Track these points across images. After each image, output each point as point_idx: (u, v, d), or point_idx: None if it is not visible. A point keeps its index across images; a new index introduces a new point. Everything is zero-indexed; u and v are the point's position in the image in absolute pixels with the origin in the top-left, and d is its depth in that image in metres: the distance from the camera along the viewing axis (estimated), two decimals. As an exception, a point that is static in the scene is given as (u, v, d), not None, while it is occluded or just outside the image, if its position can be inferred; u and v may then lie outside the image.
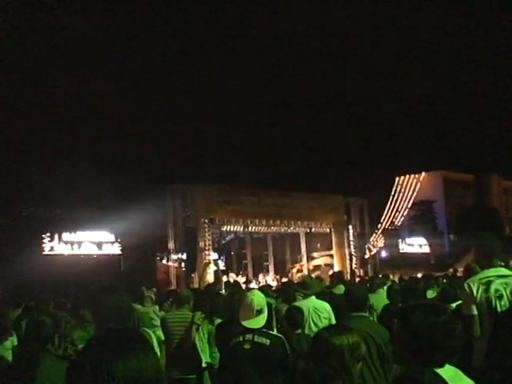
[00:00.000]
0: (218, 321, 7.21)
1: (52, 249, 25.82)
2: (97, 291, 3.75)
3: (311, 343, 3.15)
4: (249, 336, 4.69)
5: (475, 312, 4.87)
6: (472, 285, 4.98)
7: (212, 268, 27.93)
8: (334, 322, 7.42)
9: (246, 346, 4.66)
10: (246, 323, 4.71)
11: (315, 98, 71.40)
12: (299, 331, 6.42)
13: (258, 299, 4.82)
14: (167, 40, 65.26)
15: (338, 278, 10.01)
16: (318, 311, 7.51)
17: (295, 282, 31.83)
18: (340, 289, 9.23)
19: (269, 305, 7.59)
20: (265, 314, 4.81)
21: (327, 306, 7.64)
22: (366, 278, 33.10)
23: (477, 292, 4.93)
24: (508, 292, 4.90)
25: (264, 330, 4.79)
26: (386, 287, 10.30)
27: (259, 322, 4.74)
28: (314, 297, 7.79)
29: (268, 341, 4.65)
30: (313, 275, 33.69)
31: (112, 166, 34.76)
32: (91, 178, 30.98)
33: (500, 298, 4.89)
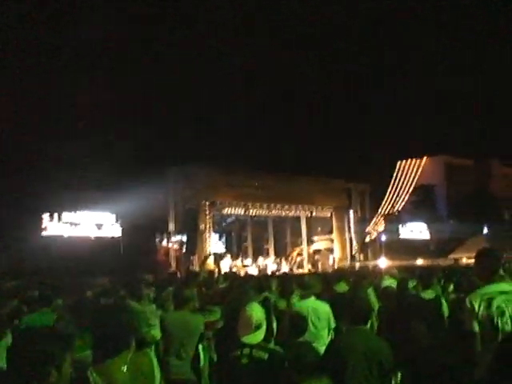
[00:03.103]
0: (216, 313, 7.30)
1: (51, 229, 25.78)
2: (98, 309, 3.70)
3: None
4: (246, 350, 4.64)
5: (477, 329, 4.83)
6: (474, 301, 4.93)
7: (211, 253, 28.04)
8: (332, 323, 7.38)
9: (244, 361, 4.61)
10: (245, 339, 4.66)
11: (317, 81, 71.04)
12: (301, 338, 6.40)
13: (257, 314, 4.76)
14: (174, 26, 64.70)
15: (340, 274, 9.97)
16: (317, 312, 7.45)
17: (295, 265, 32.22)
18: (342, 286, 9.19)
19: (267, 299, 7.59)
20: (264, 328, 4.76)
21: (326, 307, 7.58)
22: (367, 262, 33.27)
23: (478, 308, 4.88)
24: (510, 309, 4.85)
25: (262, 344, 4.73)
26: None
27: (258, 337, 4.69)
28: (313, 297, 7.74)
29: (266, 355, 4.60)
30: (315, 257, 34.01)
31: (114, 145, 34.65)
32: (93, 157, 30.89)
33: (502, 314, 4.85)
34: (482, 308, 4.88)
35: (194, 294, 7.23)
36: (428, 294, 8.62)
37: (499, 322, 4.82)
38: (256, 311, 4.78)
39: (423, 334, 6.43)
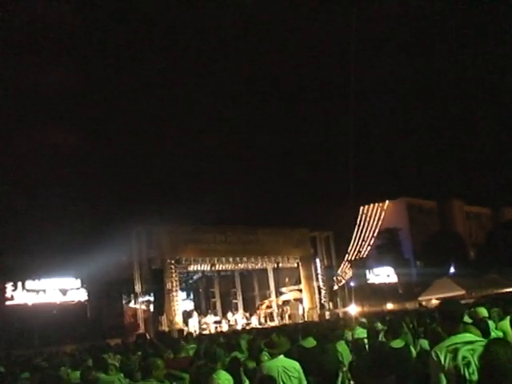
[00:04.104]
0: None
1: (15, 298, 25.24)
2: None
3: None
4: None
5: (444, 381, 4.84)
6: (439, 353, 4.93)
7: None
8: (304, 381, 7.29)
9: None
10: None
11: (274, 132, 72.07)
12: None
13: (224, 382, 4.70)
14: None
15: (307, 329, 9.87)
16: (287, 371, 7.34)
17: (264, 318, 31.92)
18: (310, 342, 9.08)
19: (237, 360, 7.48)
20: (232, 397, 4.70)
21: (296, 364, 7.47)
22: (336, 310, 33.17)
23: (444, 360, 4.89)
24: (475, 359, 4.87)
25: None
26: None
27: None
28: (282, 356, 7.64)
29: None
30: (283, 308, 33.78)
31: (75, 210, 34.35)
32: (54, 222, 30.54)
33: (468, 365, 4.86)
34: (448, 360, 4.89)
35: (162, 362, 7.09)
36: (397, 344, 8.56)
37: (466, 372, 4.83)
38: (223, 379, 4.73)
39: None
